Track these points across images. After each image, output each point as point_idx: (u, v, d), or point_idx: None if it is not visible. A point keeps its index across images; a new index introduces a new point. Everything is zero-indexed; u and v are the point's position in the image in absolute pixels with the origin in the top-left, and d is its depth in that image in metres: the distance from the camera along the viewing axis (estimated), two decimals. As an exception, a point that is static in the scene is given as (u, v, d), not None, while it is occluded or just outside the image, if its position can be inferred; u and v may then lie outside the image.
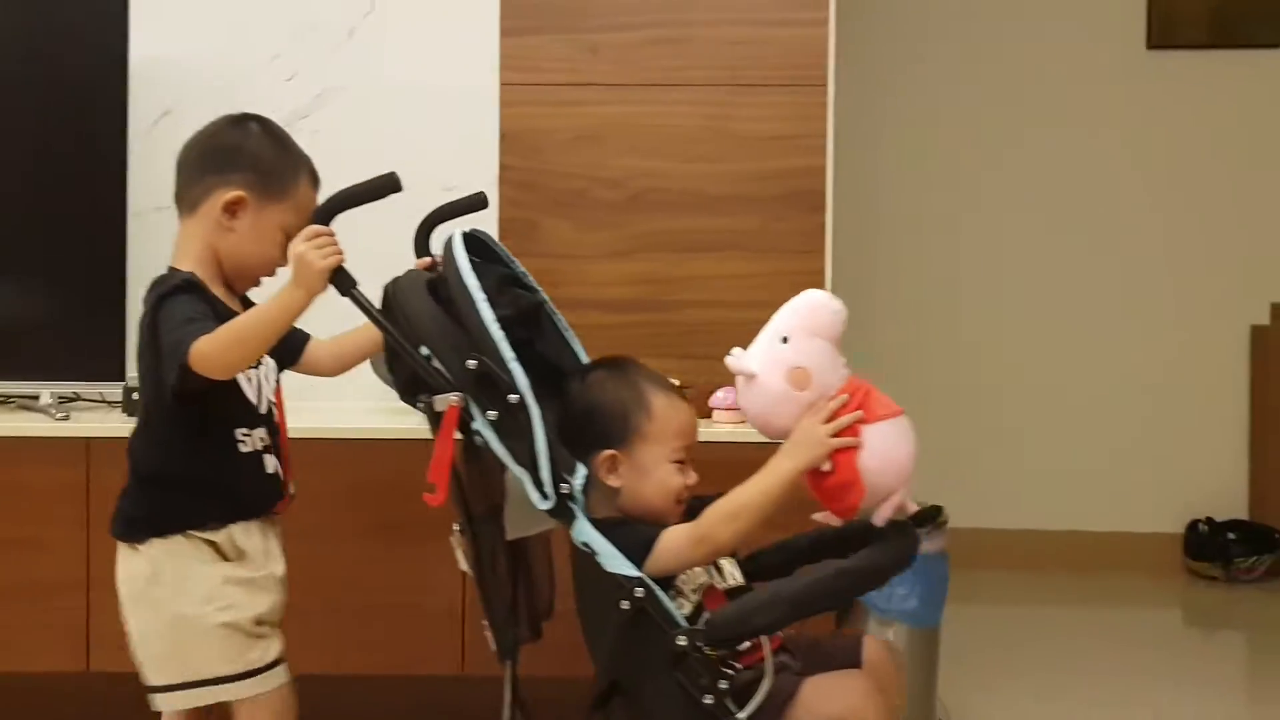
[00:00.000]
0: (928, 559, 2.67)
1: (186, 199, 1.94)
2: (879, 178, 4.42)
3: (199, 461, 1.88)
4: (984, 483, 4.39)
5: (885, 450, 1.77)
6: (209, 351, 1.74)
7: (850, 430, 1.74)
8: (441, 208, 1.98)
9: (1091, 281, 4.43)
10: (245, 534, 1.90)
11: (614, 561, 1.71)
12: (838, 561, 1.76)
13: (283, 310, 1.76)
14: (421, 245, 1.97)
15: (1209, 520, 4.27)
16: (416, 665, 2.61)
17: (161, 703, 1.91)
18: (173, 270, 1.91)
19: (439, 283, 1.81)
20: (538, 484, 1.73)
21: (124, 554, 1.91)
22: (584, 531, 1.74)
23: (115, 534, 1.92)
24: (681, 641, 1.68)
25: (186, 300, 1.83)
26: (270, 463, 1.95)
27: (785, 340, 1.79)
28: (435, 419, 1.77)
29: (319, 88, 2.90)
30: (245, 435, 1.91)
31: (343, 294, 1.76)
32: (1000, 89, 4.41)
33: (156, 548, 1.87)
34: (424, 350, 1.76)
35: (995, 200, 4.45)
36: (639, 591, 1.69)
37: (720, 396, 2.62)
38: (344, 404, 2.66)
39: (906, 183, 4.46)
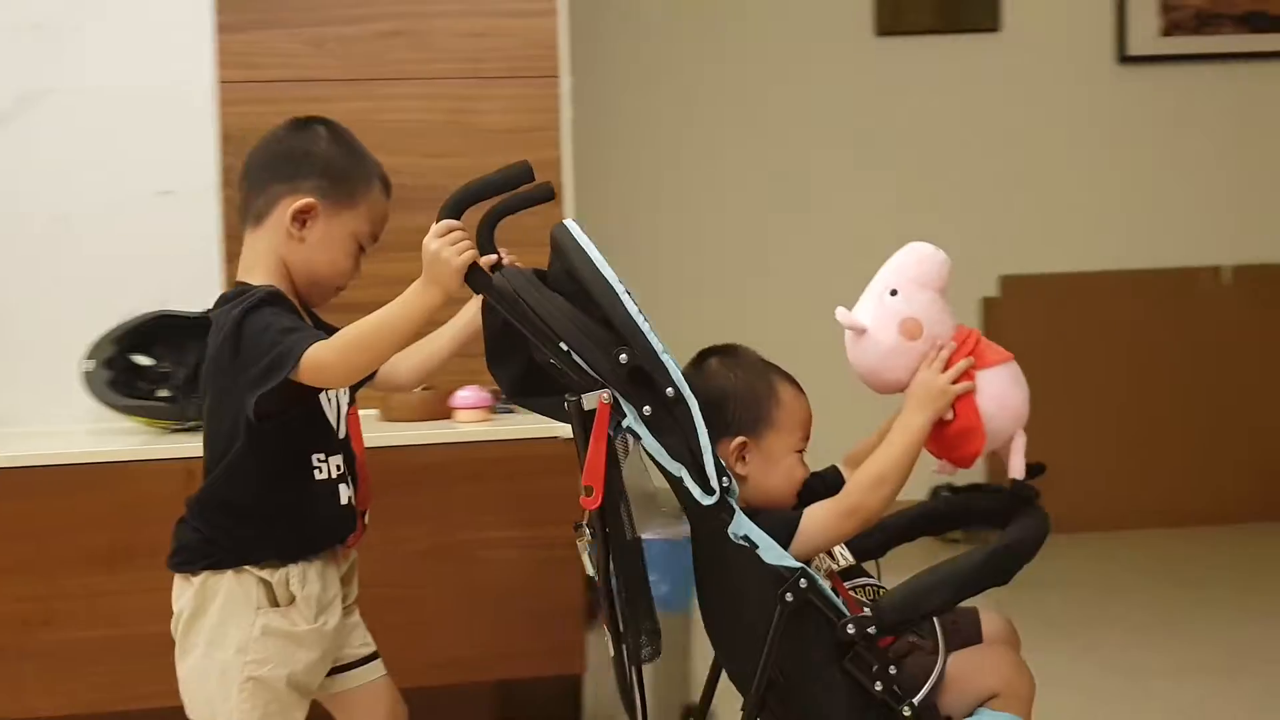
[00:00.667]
0: (677, 545, 2.71)
1: (252, 210, 1.81)
2: (620, 169, 4.46)
3: (270, 489, 1.75)
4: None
5: (1002, 394, 1.77)
6: (328, 359, 1.63)
7: (965, 377, 1.75)
8: (508, 200, 1.76)
9: (829, 264, 4.56)
10: (303, 578, 1.77)
11: (773, 553, 1.64)
12: (982, 546, 1.71)
13: (413, 311, 1.65)
14: (487, 241, 1.76)
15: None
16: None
17: None
18: (243, 284, 1.77)
19: (548, 276, 1.70)
20: (700, 478, 1.64)
21: (177, 586, 1.78)
22: (742, 524, 1.66)
23: (170, 565, 1.79)
24: (850, 630, 1.63)
25: (278, 311, 1.70)
26: (345, 492, 1.82)
27: (894, 293, 1.80)
28: (583, 417, 1.65)
29: (19, 90, 2.72)
30: (321, 461, 1.79)
31: (477, 291, 1.66)
32: (734, 77, 4.51)
33: (208, 582, 1.75)
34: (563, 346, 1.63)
35: (732, 189, 4.54)
36: (803, 582, 1.63)
37: (463, 396, 2.59)
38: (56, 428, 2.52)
39: (646, 173, 4.50)
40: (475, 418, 2.56)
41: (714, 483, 1.64)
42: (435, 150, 2.88)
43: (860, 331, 1.79)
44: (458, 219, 1.66)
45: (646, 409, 1.64)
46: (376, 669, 1.93)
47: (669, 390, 1.63)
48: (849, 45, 4.54)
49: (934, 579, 1.67)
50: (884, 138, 4.57)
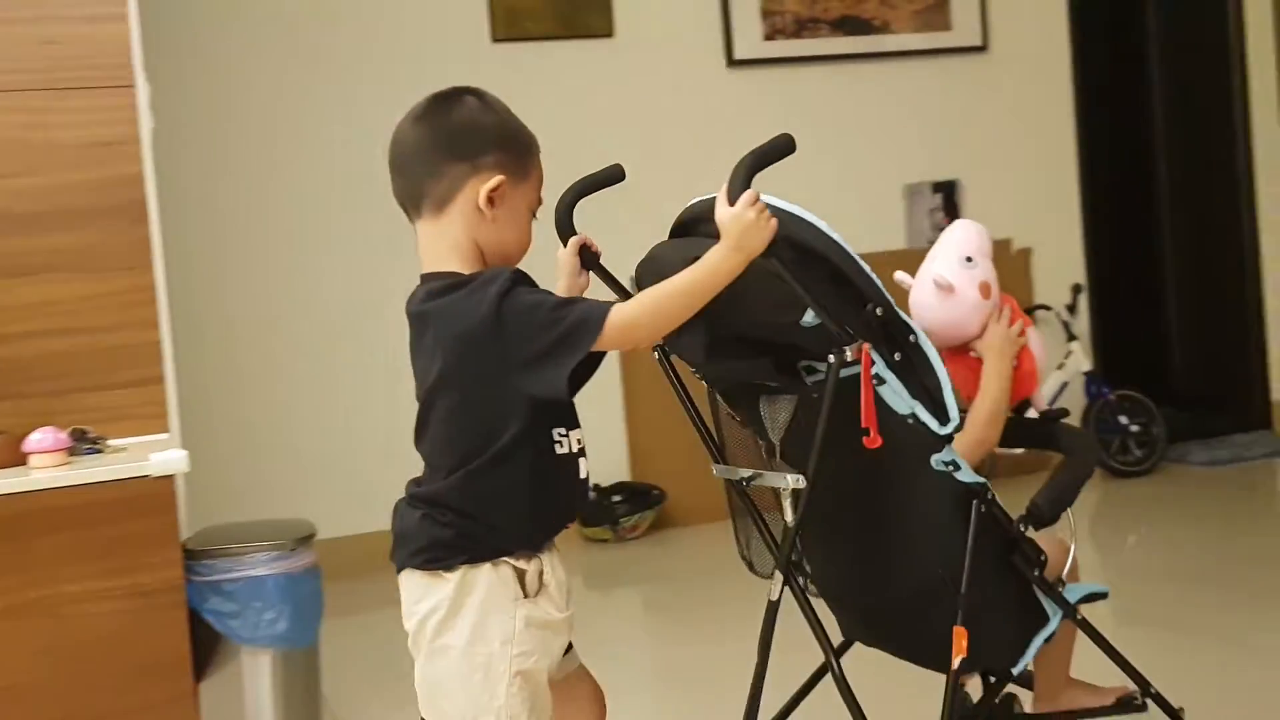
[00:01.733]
0: (294, 577, 2.57)
1: (431, 196, 1.71)
2: (210, 180, 4.26)
3: (520, 467, 1.65)
4: (364, 488, 4.38)
5: (1039, 348, 2.18)
6: (639, 319, 1.64)
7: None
8: (584, 181, 1.93)
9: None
10: (552, 565, 1.71)
11: (966, 472, 1.90)
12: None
13: (719, 275, 1.67)
14: (567, 224, 1.83)
15: (596, 486, 4.50)
16: None
17: None
18: (450, 273, 1.69)
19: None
20: (939, 412, 1.83)
21: (419, 584, 1.67)
22: (949, 451, 1.88)
23: (417, 564, 1.66)
24: (1022, 528, 1.95)
25: (533, 289, 1.66)
26: (584, 466, 1.75)
27: (970, 260, 2.09)
28: (829, 375, 1.77)
29: None
30: (562, 436, 1.71)
31: (769, 255, 1.70)
32: (341, 83, 4.38)
33: (466, 576, 1.64)
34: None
35: (337, 198, 4.40)
36: (989, 494, 1.91)
37: (37, 439, 2.35)
38: None
39: (245, 183, 4.32)
40: (52, 462, 2.33)
41: (953, 413, 1.85)
42: (5, 170, 2.63)
43: (950, 290, 2.07)
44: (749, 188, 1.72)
45: (897, 355, 1.83)
46: (575, 655, 1.88)
47: (911, 338, 1.83)
48: (465, 50, 4.49)
49: (1066, 480, 2.00)
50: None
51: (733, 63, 4.74)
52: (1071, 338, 4.87)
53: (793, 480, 1.89)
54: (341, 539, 4.24)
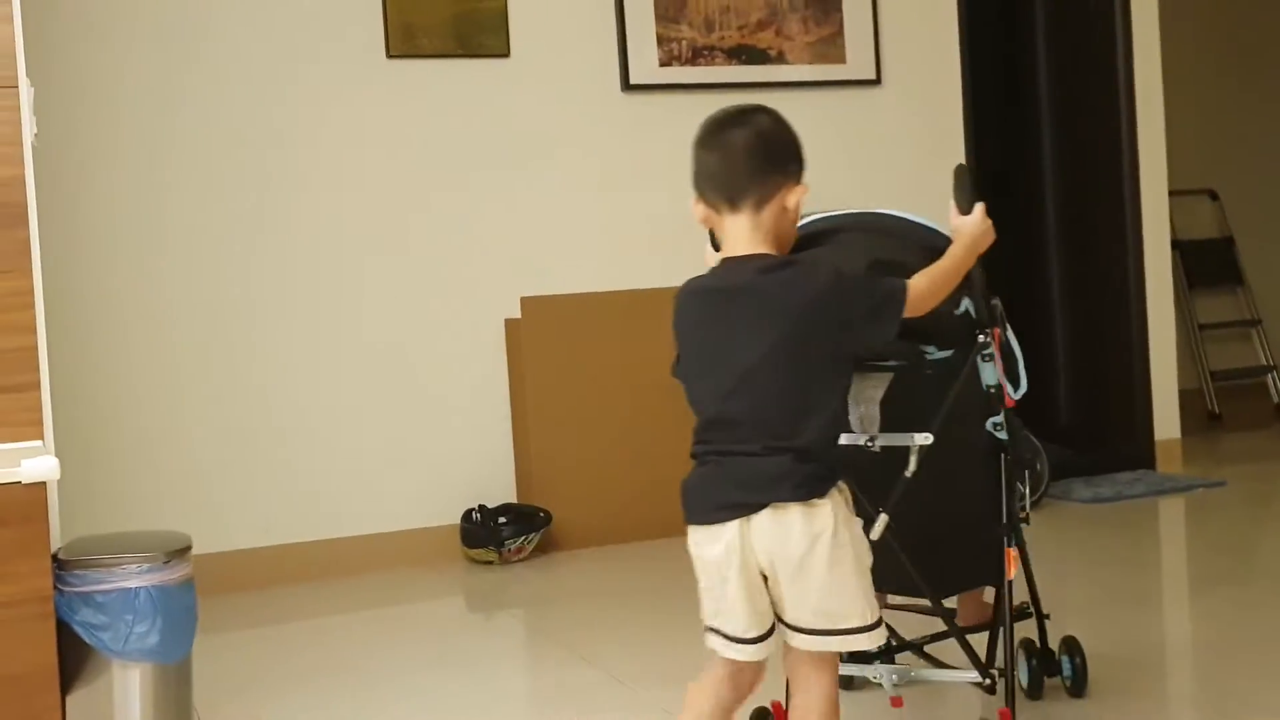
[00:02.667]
0: (167, 591, 2.52)
1: (751, 195, 2.09)
2: (94, 185, 4.17)
3: (843, 420, 2.24)
4: (245, 503, 4.31)
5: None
6: (926, 292, 2.14)
7: None
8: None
9: (348, 288, 4.47)
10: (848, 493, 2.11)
11: (1003, 432, 2.53)
12: None
13: (963, 266, 2.26)
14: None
15: (481, 508, 4.47)
16: None
17: (837, 643, 2.04)
18: (764, 254, 2.09)
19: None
20: (1015, 381, 2.50)
21: (797, 515, 2.00)
22: (1001, 414, 2.52)
23: (797, 496, 2.00)
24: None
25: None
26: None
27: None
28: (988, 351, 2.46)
29: None
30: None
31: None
32: (230, 95, 4.32)
33: (835, 499, 2.03)
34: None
35: (246, 209, 4.35)
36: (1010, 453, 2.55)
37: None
38: None
39: (127, 189, 4.22)
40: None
41: (1023, 383, 2.53)
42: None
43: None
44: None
45: (1004, 339, 2.51)
46: None
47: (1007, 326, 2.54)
48: (360, 66, 4.46)
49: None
50: (400, 160, 4.52)
51: (628, 87, 4.77)
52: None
53: (920, 438, 2.30)
54: (219, 554, 4.16)
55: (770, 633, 2.04)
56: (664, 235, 4.82)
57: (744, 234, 2.09)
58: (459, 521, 4.49)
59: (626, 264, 4.79)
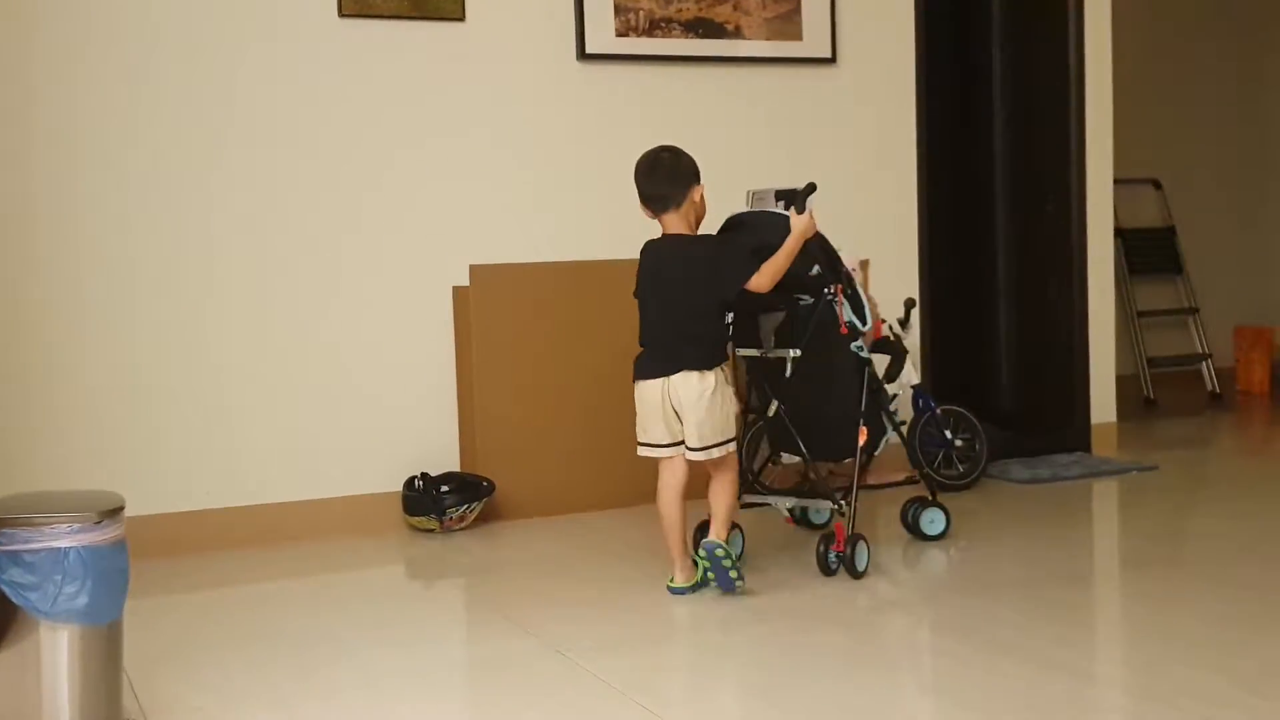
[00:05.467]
0: (98, 551, 2.47)
1: (674, 201, 3.53)
2: (34, 145, 4.10)
3: (725, 331, 3.55)
4: (188, 466, 4.26)
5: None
6: (768, 269, 3.50)
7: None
8: (793, 194, 3.63)
9: (294, 251, 4.41)
10: (727, 372, 3.52)
11: (865, 352, 3.72)
12: None
13: (793, 250, 3.53)
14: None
15: (424, 476, 4.44)
16: None
17: (718, 452, 3.47)
18: (690, 234, 3.56)
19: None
20: (863, 319, 3.67)
21: (699, 376, 3.45)
22: (860, 341, 3.68)
23: (695, 367, 3.45)
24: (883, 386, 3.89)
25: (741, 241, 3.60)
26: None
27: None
28: (832, 299, 3.64)
29: None
30: (728, 317, 3.56)
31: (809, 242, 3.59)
32: (186, 49, 4.24)
33: (716, 373, 3.47)
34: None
35: (190, 171, 4.27)
36: (871, 366, 3.78)
37: None
38: None
39: (75, 151, 4.15)
40: None
41: (869, 321, 3.70)
42: None
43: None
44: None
45: (849, 292, 3.66)
46: None
47: (854, 286, 3.69)
48: (310, 24, 4.39)
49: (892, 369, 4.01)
50: (351, 122, 4.46)
51: (584, 56, 4.73)
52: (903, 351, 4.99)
53: (793, 352, 3.67)
54: (156, 516, 4.11)
55: (677, 444, 3.48)
56: (615, 207, 4.80)
57: (675, 223, 3.56)
58: (401, 489, 4.46)
59: (577, 235, 4.76)
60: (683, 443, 3.45)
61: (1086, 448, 5.54)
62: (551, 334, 4.64)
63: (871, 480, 3.91)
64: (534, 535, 4.37)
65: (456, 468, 4.56)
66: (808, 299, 3.63)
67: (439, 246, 4.58)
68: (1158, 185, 7.55)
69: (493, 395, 4.54)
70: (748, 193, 4.58)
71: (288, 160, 4.38)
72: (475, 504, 4.40)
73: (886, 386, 3.85)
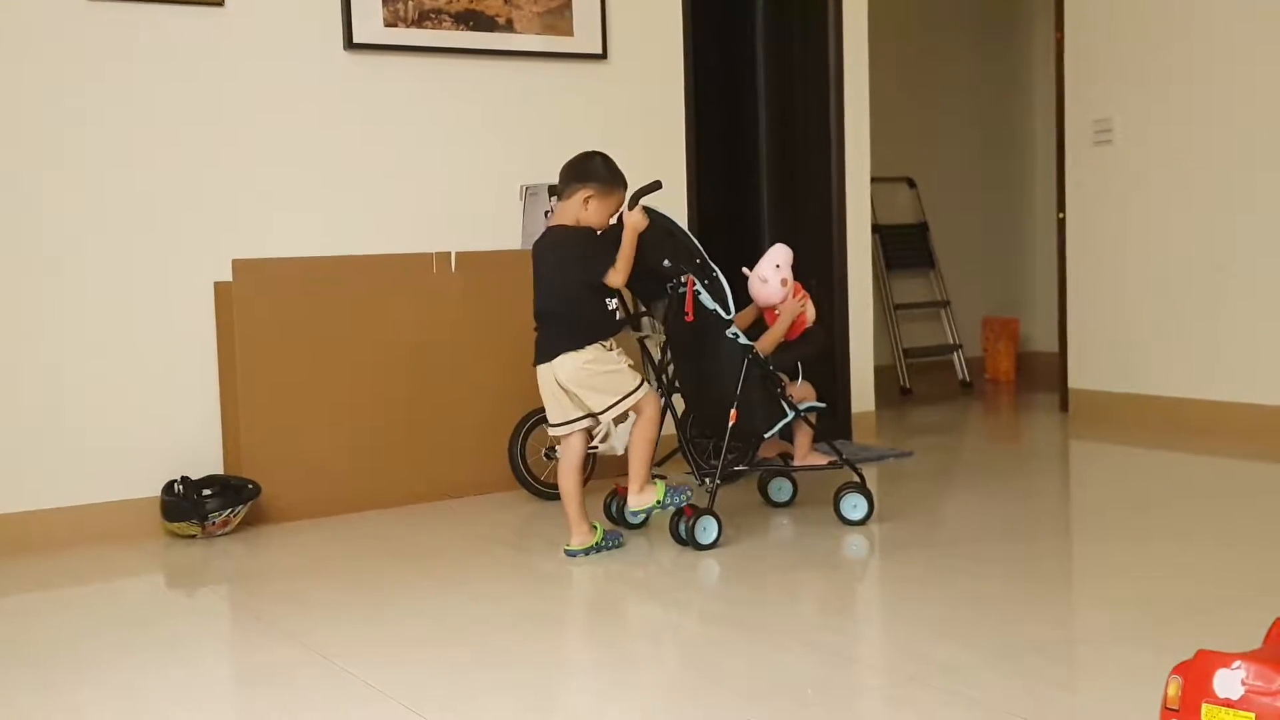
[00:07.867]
0: None
1: (563, 191, 3.86)
2: None
3: (603, 313, 3.83)
4: (10, 468, 4.00)
5: (810, 312, 4.25)
6: (620, 259, 3.80)
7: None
8: (638, 191, 3.88)
9: (44, 243, 4.19)
10: (611, 344, 3.85)
11: (743, 339, 3.96)
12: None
13: (632, 239, 3.81)
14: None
15: (185, 479, 4.27)
16: None
17: (624, 404, 3.82)
18: (570, 226, 3.84)
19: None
20: (726, 309, 3.92)
21: (575, 355, 3.79)
22: (734, 328, 3.96)
23: (572, 348, 3.78)
24: (772, 370, 4.09)
25: (603, 239, 3.87)
26: (611, 304, 3.87)
27: (778, 266, 4.13)
28: (681, 289, 3.94)
29: None
30: (609, 299, 3.84)
31: (645, 234, 3.86)
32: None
33: (593, 348, 3.80)
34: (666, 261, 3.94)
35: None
36: (754, 353, 4.00)
37: None
38: None
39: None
40: None
41: (731, 311, 3.93)
42: None
43: (766, 281, 4.13)
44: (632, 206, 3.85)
45: (706, 282, 3.90)
46: None
47: (714, 275, 3.92)
48: (58, 9, 4.15)
49: (800, 349, 4.21)
50: (105, 110, 4.24)
51: (351, 45, 4.63)
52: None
53: (658, 335, 4.24)
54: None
55: (572, 421, 3.84)
56: (386, 201, 4.72)
57: (561, 214, 3.87)
58: (159, 494, 4.28)
59: (346, 229, 4.66)
60: (577, 419, 3.83)
61: (847, 435, 5.75)
62: (319, 331, 4.52)
63: (797, 463, 4.26)
64: (301, 538, 4.26)
65: (220, 470, 4.41)
66: (678, 289, 3.96)
67: (200, 240, 4.41)
68: (912, 183, 7.90)
69: (258, 394, 4.40)
70: (521, 187, 4.61)
71: (38, 153, 4.14)
72: (239, 507, 4.26)
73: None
